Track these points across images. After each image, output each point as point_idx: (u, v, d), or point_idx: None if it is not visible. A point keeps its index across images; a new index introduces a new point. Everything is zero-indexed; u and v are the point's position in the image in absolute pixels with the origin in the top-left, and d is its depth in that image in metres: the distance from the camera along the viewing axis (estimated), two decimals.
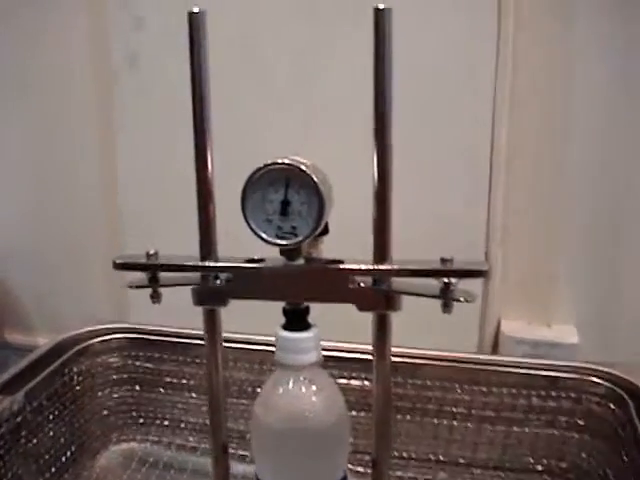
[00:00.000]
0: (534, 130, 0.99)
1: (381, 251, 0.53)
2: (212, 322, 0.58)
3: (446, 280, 0.51)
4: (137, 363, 0.87)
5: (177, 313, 0.75)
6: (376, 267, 0.56)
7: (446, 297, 0.51)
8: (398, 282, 0.54)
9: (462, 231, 0.95)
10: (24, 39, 1.01)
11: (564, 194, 1.03)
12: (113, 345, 0.88)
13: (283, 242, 0.52)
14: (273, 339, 0.57)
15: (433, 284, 0.52)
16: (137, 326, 0.89)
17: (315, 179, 0.54)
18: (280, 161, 0.55)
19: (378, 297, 0.53)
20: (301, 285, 0.54)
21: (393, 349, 0.56)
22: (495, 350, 1.12)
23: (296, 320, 0.55)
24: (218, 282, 0.56)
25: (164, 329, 0.88)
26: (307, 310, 0.59)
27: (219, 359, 0.59)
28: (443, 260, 0.55)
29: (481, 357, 0.79)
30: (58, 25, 0.98)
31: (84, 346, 0.86)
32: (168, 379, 0.86)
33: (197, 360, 0.86)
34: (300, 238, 0.55)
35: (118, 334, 0.88)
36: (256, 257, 0.55)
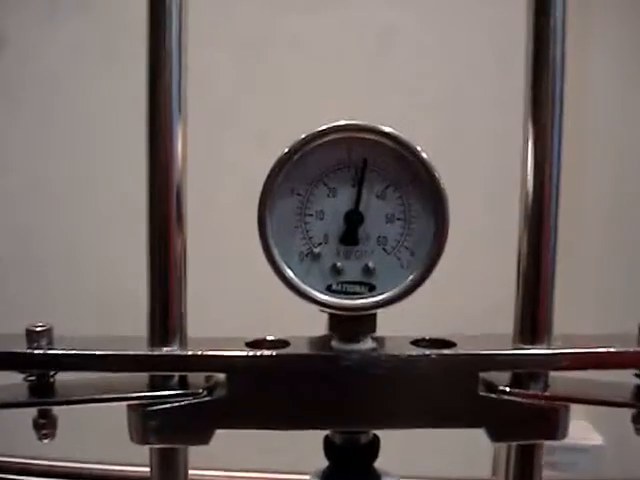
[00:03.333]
0: None
1: (534, 324, 0.30)
2: (172, 468, 0.30)
3: None
4: None
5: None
6: (542, 352, 0.27)
7: None
8: (558, 382, 0.31)
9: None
10: None
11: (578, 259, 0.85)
12: None
13: (350, 302, 0.25)
14: None
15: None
16: None
17: (428, 162, 0.26)
18: (346, 122, 0.26)
19: (538, 412, 0.29)
20: (377, 396, 0.29)
21: None
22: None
23: (358, 465, 0.30)
24: (189, 394, 0.29)
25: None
26: (376, 444, 0.29)
27: None
28: None
29: None
30: None
31: None
32: None
33: None
34: (386, 294, 0.26)
35: None
36: (269, 337, 0.30)
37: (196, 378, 0.29)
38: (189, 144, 0.29)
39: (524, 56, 0.29)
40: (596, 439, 0.83)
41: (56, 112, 0.71)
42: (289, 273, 0.27)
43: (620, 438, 0.83)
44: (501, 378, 0.30)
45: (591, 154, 0.78)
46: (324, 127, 0.26)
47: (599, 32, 0.77)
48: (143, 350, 0.29)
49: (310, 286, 0.27)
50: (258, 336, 0.30)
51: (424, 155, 0.26)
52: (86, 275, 0.73)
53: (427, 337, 0.30)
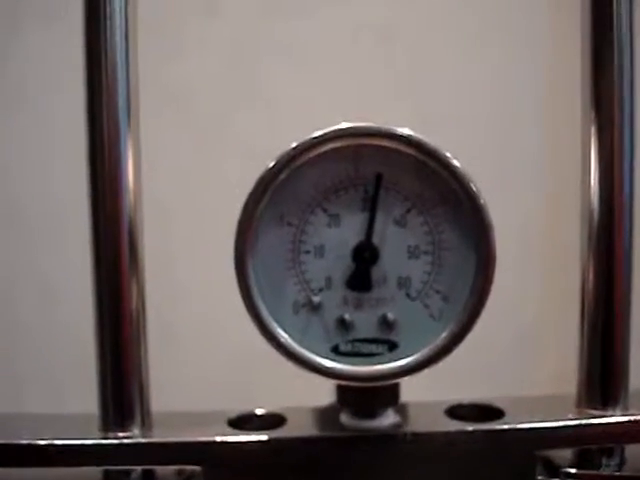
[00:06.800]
0: None
1: (605, 381, 0.23)
2: None
3: None
4: None
5: None
6: (619, 419, 0.21)
7: None
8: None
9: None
10: None
11: None
12: None
13: (365, 369, 0.20)
14: None
15: None
16: None
17: (463, 173, 0.19)
18: (352, 125, 0.19)
19: None
20: None
21: None
22: None
23: None
24: None
25: None
26: None
27: None
28: None
29: None
30: None
31: None
32: None
33: None
34: (413, 356, 0.20)
35: None
36: (259, 411, 0.23)
37: (165, 471, 0.22)
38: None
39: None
40: None
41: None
42: (279, 332, 0.20)
43: None
44: (563, 455, 0.23)
45: None
46: (321, 132, 0.19)
47: None
48: (93, 436, 0.22)
49: (309, 348, 0.20)
50: (244, 409, 0.23)
51: (457, 164, 0.19)
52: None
53: (465, 402, 0.23)
